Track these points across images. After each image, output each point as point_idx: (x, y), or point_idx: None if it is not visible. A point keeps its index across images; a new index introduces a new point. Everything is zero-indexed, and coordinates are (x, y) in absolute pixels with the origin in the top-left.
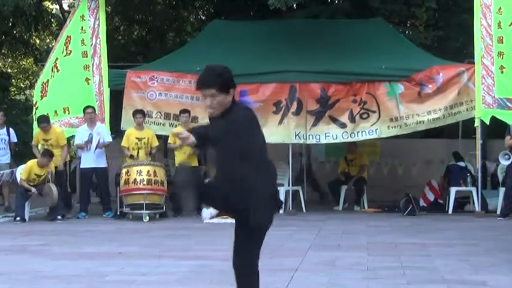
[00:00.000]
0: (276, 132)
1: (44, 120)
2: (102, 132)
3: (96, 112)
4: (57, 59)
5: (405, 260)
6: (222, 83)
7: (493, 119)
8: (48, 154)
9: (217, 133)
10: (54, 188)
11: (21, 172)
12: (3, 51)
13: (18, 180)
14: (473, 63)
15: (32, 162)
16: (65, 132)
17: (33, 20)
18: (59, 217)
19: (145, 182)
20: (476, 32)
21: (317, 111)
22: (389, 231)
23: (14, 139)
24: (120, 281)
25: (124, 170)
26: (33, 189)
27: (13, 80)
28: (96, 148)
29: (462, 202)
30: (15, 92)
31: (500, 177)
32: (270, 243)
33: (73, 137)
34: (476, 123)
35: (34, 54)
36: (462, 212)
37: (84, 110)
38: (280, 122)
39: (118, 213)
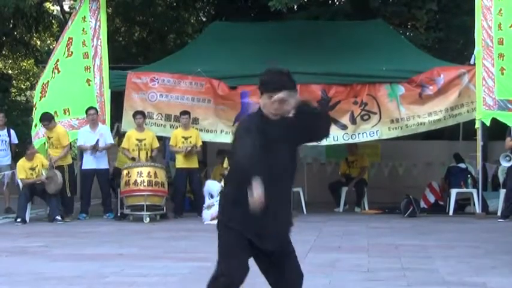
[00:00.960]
0: None
1: (45, 118)
2: (105, 133)
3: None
4: (58, 60)
5: (406, 262)
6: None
7: (494, 120)
8: (28, 145)
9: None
10: (59, 174)
11: (18, 174)
12: (3, 52)
13: (20, 184)
14: (471, 65)
15: (21, 161)
16: (68, 134)
17: (34, 21)
18: (58, 217)
19: (145, 183)
20: (477, 34)
21: None
22: (390, 232)
23: (15, 140)
24: (120, 282)
25: (125, 172)
26: (42, 177)
27: (14, 81)
28: (97, 150)
29: (463, 204)
30: (16, 93)
31: (501, 178)
32: None
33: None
34: (477, 125)
35: (35, 56)
36: (463, 214)
37: (86, 111)
38: None
39: (118, 214)
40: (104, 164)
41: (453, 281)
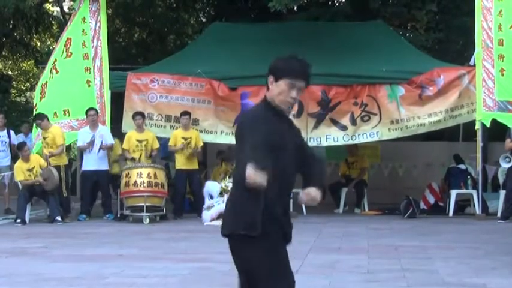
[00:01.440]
0: None
1: (38, 117)
2: (105, 134)
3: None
4: (55, 60)
5: (405, 263)
6: (310, 79)
7: (494, 121)
8: (21, 147)
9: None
10: (54, 171)
11: (16, 176)
12: (3, 53)
13: (19, 185)
14: (470, 66)
15: (18, 163)
16: (65, 135)
17: (34, 22)
18: (58, 218)
19: (145, 184)
20: (477, 35)
21: (318, 113)
22: (390, 233)
23: (15, 141)
24: (120, 283)
25: (124, 173)
26: (39, 178)
27: (14, 82)
28: (99, 150)
29: (463, 205)
30: (16, 94)
31: (501, 179)
32: None
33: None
34: (477, 126)
35: (35, 57)
36: (462, 215)
37: (86, 112)
38: None
39: (118, 215)
40: (104, 165)
41: (453, 282)
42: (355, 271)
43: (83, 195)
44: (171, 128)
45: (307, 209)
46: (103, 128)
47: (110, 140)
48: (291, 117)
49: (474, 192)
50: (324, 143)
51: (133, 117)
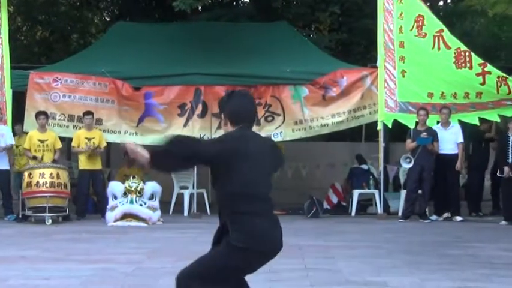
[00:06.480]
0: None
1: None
2: (6, 134)
3: None
4: None
5: (309, 262)
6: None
7: (395, 122)
8: None
9: None
10: None
11: None
12: None
13: None
14: (376, 67)
15: None
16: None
17: None
18: None
19: (48, 185)
20: (379, 37)
21: None
22: (293, 233)
23: None
24: (22, 285)
25: (26, 173)
26: None
27: None
28: None
29: (365, 204)
30: None
31: (402, 179)
32: (175, 246)
33: None
34: (379, 127)
35: None
36: (365, 214)
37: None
38: (185, 124)
39: (20, 216)
40: (4, 165)
41: (356, 280)
42: (258, 271)
43: None
44: (74, 127)
45: (211, 209)
46: (4, 127)
47: (10, 140)
48: (195, 118)
49: (376, 192)
50: None
51: (36, 116)
